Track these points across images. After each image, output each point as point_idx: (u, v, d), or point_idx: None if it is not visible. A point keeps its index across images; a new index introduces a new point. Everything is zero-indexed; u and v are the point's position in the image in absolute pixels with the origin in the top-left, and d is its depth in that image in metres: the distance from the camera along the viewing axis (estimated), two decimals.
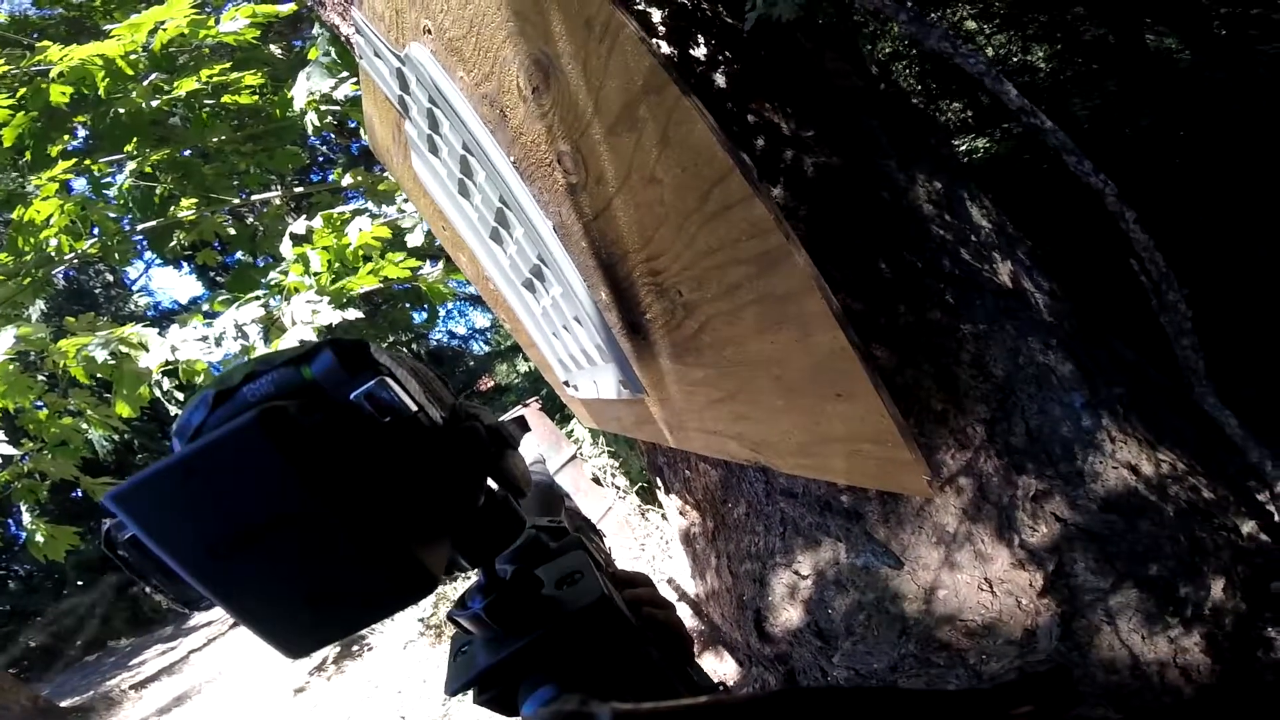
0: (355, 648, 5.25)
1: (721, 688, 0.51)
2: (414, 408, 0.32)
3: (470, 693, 0.40)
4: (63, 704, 7.39)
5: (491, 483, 0.40)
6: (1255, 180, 2.96)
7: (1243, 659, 1.25)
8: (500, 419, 0.41)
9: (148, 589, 0.30)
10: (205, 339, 2.34)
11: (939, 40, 1.07)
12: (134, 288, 13.46)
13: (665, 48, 1.27)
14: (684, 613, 3.04)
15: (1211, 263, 2.86)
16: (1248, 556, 1.35)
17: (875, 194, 1.07)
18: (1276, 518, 1.45)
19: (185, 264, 10.06)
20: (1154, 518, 1.19)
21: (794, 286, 0.62)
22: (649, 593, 0.51)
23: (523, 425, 0.44)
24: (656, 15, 1.23)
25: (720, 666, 2.59)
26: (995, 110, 4.53)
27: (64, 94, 2.65)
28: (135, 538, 0.29)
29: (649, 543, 4.00)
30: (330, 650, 5.29)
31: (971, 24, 4.95)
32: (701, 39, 1.22)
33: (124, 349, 2.39)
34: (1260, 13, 3.71)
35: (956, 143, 4.61)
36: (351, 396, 0.30)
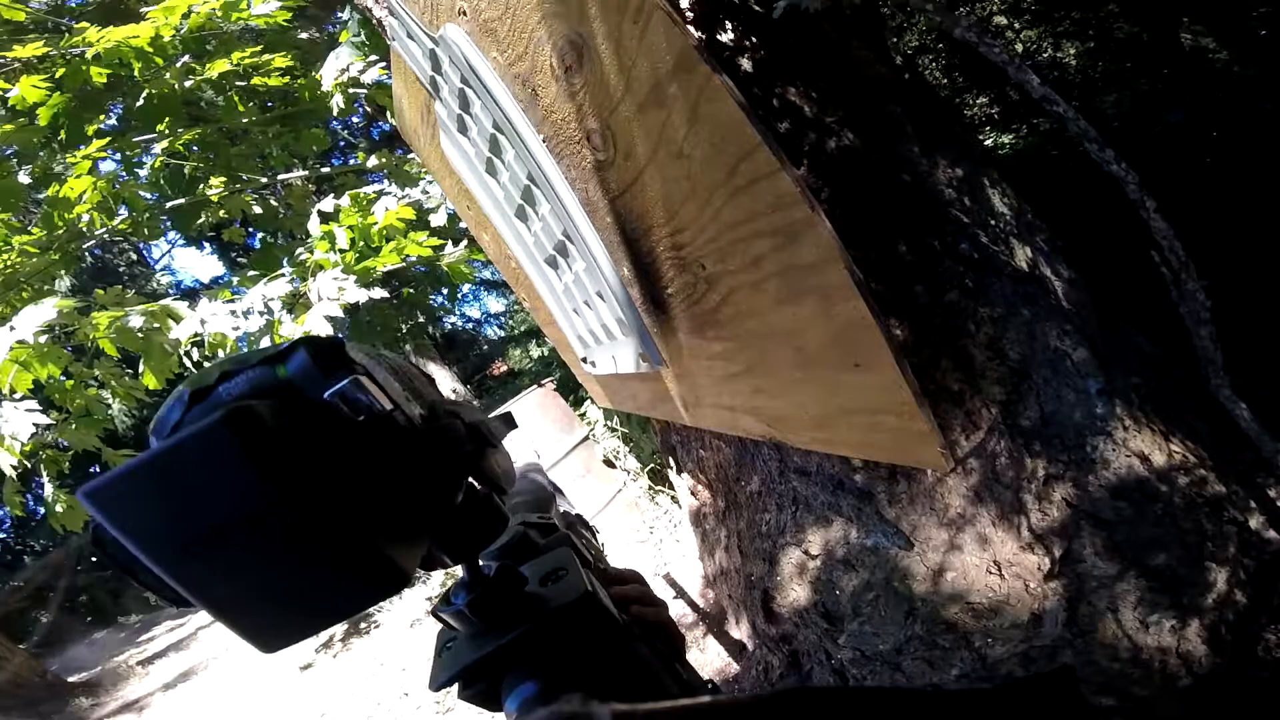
0: (363, 625, 5.32)
1: (710, 684, 0.52)
2: (389, 406, 0.32)
3: (456, 687, 0.40)
4: (70, 679, 7.44)
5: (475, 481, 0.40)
6: None
7: (1243, 653, 1.25)
8: (485, 416, 0.42)
9: (135, 584, 0.30)
10: (234, 313, 2.40)
11: (965, 30, 1.09)
12: (156, 267, 13.72)
13: (694, 31, 1.29)
14: (680, 606, 3.07)
15: (1238, 263, 2.82)
16: (1253, 550, 1.35)
17: (897, 177, 1.08)
18: None
19: (207, 244, 10.23)
20: (1162, 507, 1.20)
21: (818, 257, 0.65)
22: (638, 590, 0.51)
23: (509, 422, 0.45)
24: (684, 0, 1.25)
25: (724, 652, 2.63)
26: (1020, 106, 4.50)
27: (101, 75, 2.71)
28: None
29: (657, 525, 4.02)
30: (338, 628, 5.37)
31: (1001, 19, 4.90)
32: (729, 24, 1.24)
33: (156, 323, 2.45)
34: None
35: (980, 137, 4.59)
36: (325, 395, 0.30)
